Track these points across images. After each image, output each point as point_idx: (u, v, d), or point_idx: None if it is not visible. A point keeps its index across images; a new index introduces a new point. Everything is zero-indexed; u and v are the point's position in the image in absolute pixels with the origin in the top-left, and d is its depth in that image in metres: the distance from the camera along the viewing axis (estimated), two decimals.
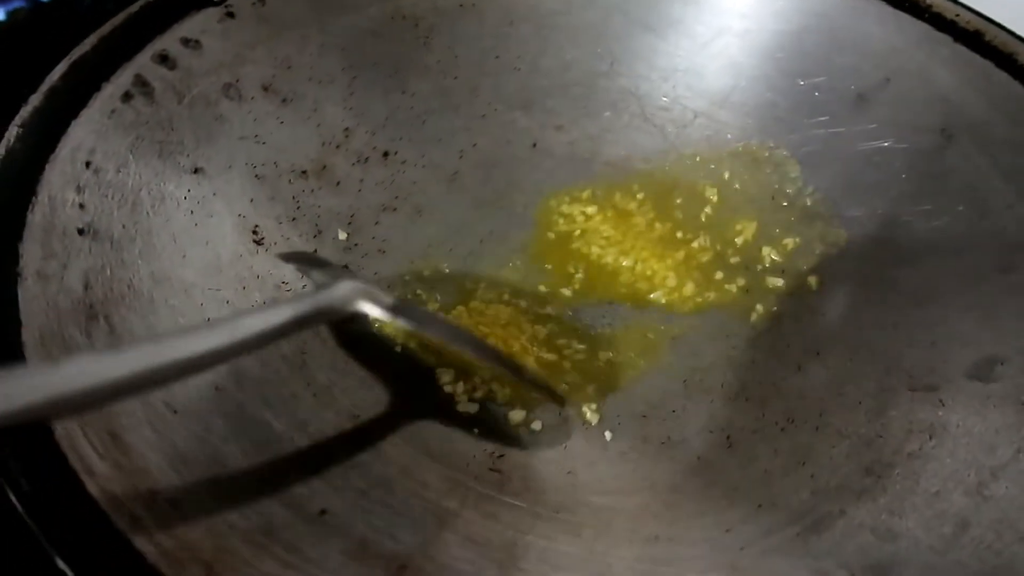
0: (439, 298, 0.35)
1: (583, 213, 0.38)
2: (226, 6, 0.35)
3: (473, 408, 0.31)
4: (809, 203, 0.38)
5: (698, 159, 0.40)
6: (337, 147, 0.37)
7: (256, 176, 0.34)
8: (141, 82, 0.32)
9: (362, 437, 0.29)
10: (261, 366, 0.29)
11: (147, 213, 0.30)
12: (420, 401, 0.31)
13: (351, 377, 0.31)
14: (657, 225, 0.38)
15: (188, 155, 0.32)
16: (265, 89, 0.36)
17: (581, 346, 0.34)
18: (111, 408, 0.24)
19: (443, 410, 0.31)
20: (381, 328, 0.33)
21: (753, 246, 0.38)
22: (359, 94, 0.38)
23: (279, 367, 0.30)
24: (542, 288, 0.36)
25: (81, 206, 0.29)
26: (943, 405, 0.30)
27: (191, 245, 0.31)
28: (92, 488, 0.22)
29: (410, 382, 0.32)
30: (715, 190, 0.39)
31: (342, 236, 0.36)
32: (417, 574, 0.25)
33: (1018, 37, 0.36)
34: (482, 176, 0.39)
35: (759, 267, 0.37)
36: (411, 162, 0.38)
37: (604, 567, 0.27)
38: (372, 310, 0.26)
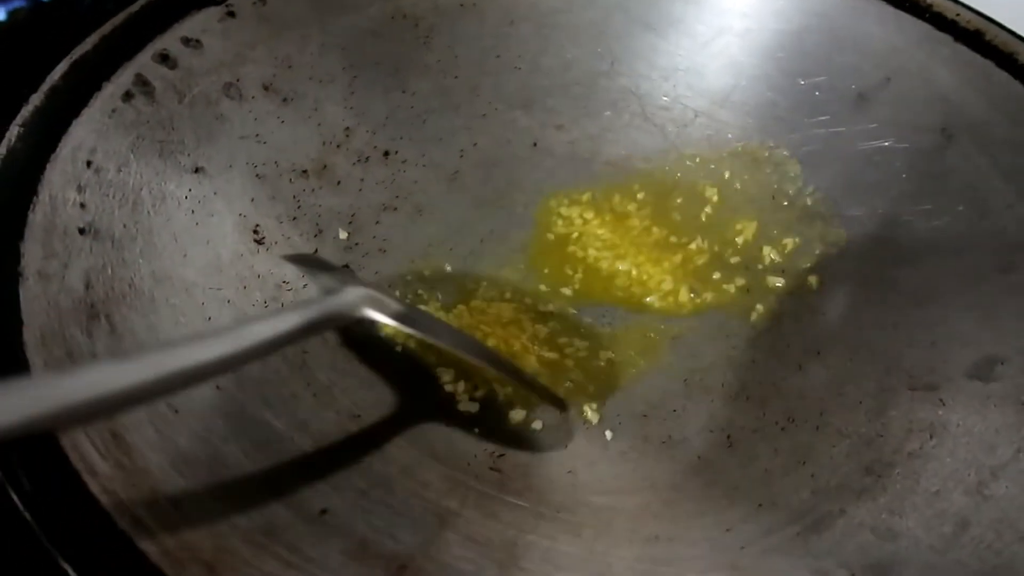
0: (440, 297, 0.35)
1: (582, 217, 0.38)
2: (227, 5, 0.35)
3: (474, 408, 0.31)
4: (809, 203, 0.38)
5: (698, 159, 0.40)
6: (338, 146, 0.37)
7: (257, 175, 0.34)
8: (142, 81, 0.32)
9: (362, 437, 0.29)
10: (261, 366, 0.29)
11: (148, 212, 0.30)
12: (421, 401, 0.31)
13: (351, 377, 0.31)
14: (655, 229, 0.38)
15: (189, 154, 0.32)
16: (266, 88, 0.36)
17: (583, 343, 0.34)
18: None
19: (444, 410, 0.31)
20: (382, 328, 0.33)
21: (753, 246, 0.38)
22: (360, 93, 0.38)
23: (279, 367, 0.30)
24: (542, 287, 0.36)
25: (82, 205, 0.29)
26: (943, 405, 0.30)
27: (192, 244, 0.31)
28: (94, 488, 0.22)
29: (411, 382, 0.32)
30: (715, 190, 0.39)
31: (343, 235, 0.36)
32: (418, 574, 0.25)
33: (1018, 37, 0.36)
34: (482, 175, 0.39)
35: (759, 267, 0.37)
36: (412, 161, 0.38)
37: (604, 567, 0.27)
38: (380, 317, 0.26)
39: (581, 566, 0.27)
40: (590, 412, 0.32)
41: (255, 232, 0.33)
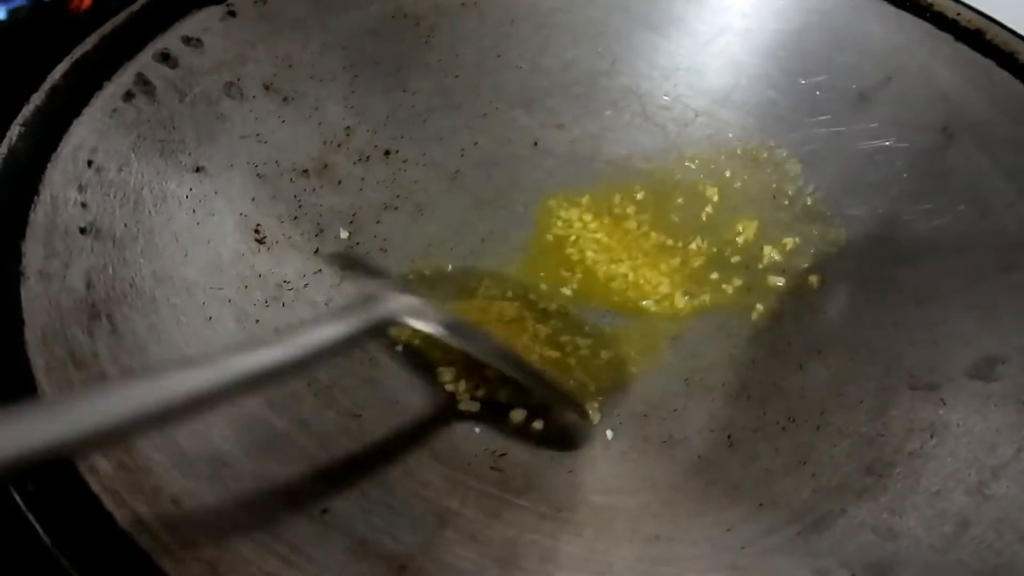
0: (441, 296, 0.35)
1: (581, 219, 0.38)
2: (227, 5, 0.35)
3: (474, 407, 0.31)
4: (810, 202, 0.38)
5: (699, 158, 0.40)
6: (338, 146, 0.37)
7: (258, 175, 0.34)
8: (143, 81, 0.32)
9: (363, 437, 0.29)
10: None
11: (149, 212, 0.30)
12: (421, 400, 0.31)
13: (352, 376, 0.31)
14: (653, 234, 0.38)
15: (190, 154, 0.32)
16: (266, 88, 0.36)
17: (585, 341, 0.34)
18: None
19: (444, 409, 0.31)
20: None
21: (754, 245, 0.38)
22: (360, 93, 0.38)
23: None
24: (543, 287, 0.36)
25: (83, 205, 0.29)
26: (944, 404, 0.30)
27: (193, 244, 0.31)
28: (96, 487, 0.22)
29: (411, 381, 0.32)
30: (716, 189, 0.39)
31: (344, 235, 0.36)
32: (418, 573, 0.25)
33: (1019, 36, 0.36)
34: (483, 175, 0.39)
35: (760, 266, 0.37)
36: (412, 161, 0.38)
37: (605, 566, 0.27)
38: (422, 325, 0.26)
39: (581, 566, 0.27)
40: (591, 412, 0.32)
41: (256, 231, 0.33)
